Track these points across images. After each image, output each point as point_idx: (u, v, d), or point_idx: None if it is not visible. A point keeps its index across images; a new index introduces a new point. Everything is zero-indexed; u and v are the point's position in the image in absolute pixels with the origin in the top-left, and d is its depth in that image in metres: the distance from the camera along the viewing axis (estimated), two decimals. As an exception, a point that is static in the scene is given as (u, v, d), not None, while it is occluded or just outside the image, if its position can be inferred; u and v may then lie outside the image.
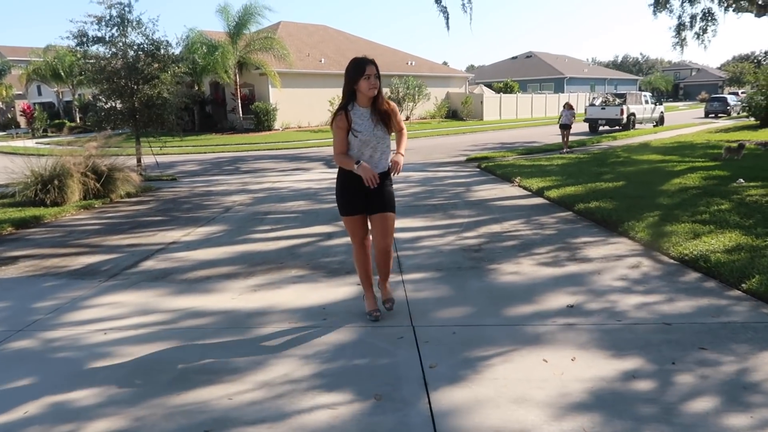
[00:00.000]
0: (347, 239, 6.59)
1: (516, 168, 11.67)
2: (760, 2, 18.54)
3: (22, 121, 38.91)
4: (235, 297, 4.34)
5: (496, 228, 6.46)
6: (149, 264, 5.39)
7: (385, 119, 3.57)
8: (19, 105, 40.25)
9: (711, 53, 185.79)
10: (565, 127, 16.21)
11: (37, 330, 3.76)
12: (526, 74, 58.48)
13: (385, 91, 34.41)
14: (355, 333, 3.56)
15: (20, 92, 44.35)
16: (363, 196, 3.61)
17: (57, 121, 36.39)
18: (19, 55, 51.94)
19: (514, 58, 65.17)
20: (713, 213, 6.40)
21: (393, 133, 3.74)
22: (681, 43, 22.31)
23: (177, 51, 18.06)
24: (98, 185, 9.41)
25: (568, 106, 16.50)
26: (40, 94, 46.16)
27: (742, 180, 8.74)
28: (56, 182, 8.84)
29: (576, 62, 66.54)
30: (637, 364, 3.01)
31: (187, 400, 2.77)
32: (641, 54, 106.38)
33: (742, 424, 2.42)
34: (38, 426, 2.57)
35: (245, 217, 7.76)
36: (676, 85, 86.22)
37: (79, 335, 3.65)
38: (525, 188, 9.38)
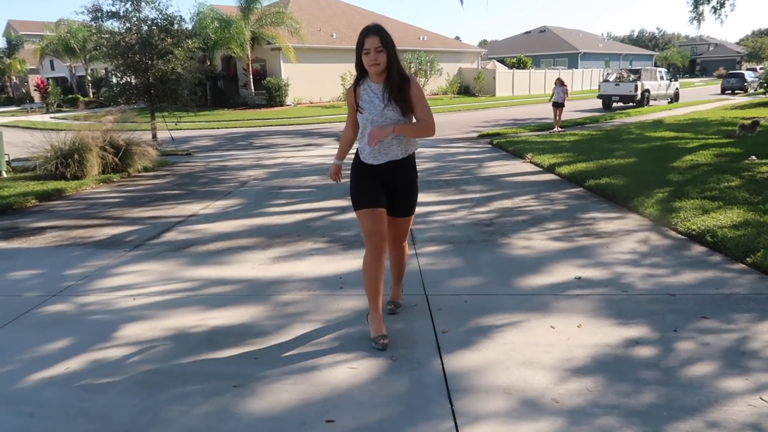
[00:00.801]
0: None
1: (528, 144, 11.72)
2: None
3: (36, 95, 39.20)
4: (255, 267, 4.53)
5: (507, 203, 6.58)
6: (171, 235, 5.59)
7: (398, 97, 3.01)
8: (33, 80, 40.52)
9: (730, 28, 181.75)
10: (558, 105, 15.36)
11: (70, 295, 3.97)
12: (539, 49, 57.72)
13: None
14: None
15: (33, 67, 44.60)
16: (382, 187, 3.13)
17: (70, 96, 36.62)
18: (30, 30, 52.09)
19: (527, 32, 64.25)
20: (722, 189, 6.47)
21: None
22: (698, 17, 22.00)
23: (190, 26, 18.07)
24: (116, 159, 9.60)
25: (560, 82, 15.58)
26: (53, 68, 46.40)
27: (754, 157, 8.76)
28: (76, 156, 9.05)
29: (591, 37, 65.50)
30: (640, 331, 3.16)
31: (216, 361, 2.96)
32: (658, 29, 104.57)
33: (739, 387, 2.57)
34: (80, 380, 2.78)
35: (261, 192, 7.93)
36: (692, 61, 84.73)
37: (110, 300, 3.86)
38: (537, 164, 9.45)
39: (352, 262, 4.57)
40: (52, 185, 8.25)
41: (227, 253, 4.95)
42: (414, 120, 3.11)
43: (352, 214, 6.43)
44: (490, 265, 4.41)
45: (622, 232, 5.21)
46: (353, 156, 3.28)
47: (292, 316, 3.51)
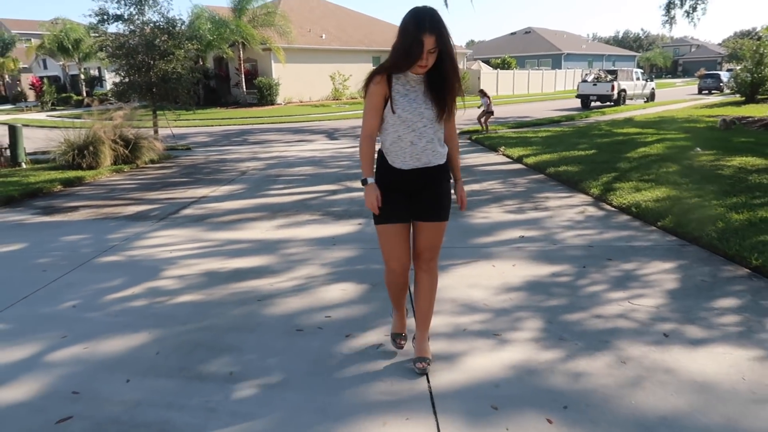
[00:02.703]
0: (350, 194, 7.85)
1: (503, 140, 12.80)
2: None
3: (30, 94, 39.79)
4: (263, 232, 5.55)
5: (475, 187, 7.63)
6: (188, 211, 6.59)
7: (440, 92, 2.52)
8: (27, 78, 41.11)
9: (713, 29, 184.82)
10: (486, 114, 15.33)
11: (118, 251, 4.97)
12: (524, 50, 59.08)
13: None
14: (356, 252, 4.77)
15: (26, 65, 45.14)
16: (406, 197, 2.65)
17: (64, 94, 37.33)
18: (22, 29, 52.49)
19: (513, 33, 65.63)
20: (659, 174, 7.57)
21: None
22: (670, 21, 23.19)
23: (185, 27, 18.98)
24: (126, 152, 10.56)
25: (483, 93, 15.43)
26: (45, 67, 46.90)
27: (698, 149, 9.89)
28: (91, 148, 10.00)
29: (574, 38, 67.00)
30: (559, 268, 4.22)
31: (241, 288, 3.99)
32: (642, 30, 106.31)
33: (618, 296, 3.64)
34: (144, 298, 3.80)
35: (260, 179, 8.94)
36: (675, 62, 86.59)
37: (151, 253, 4.87)
38: (508, 156, 10.53)
39: (343, 228, 5.60)
40: (72, 174, 9.19)
41: (239, 222, 5.96)
42: (444, 110, 2.58)
43: (343, 195, 7.47)
44: (453, 229, 5.44)
45: (566, 207, 6.29)
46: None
47: (296, 261, 4.55)
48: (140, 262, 4.66)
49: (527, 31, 63.85)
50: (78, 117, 21.01)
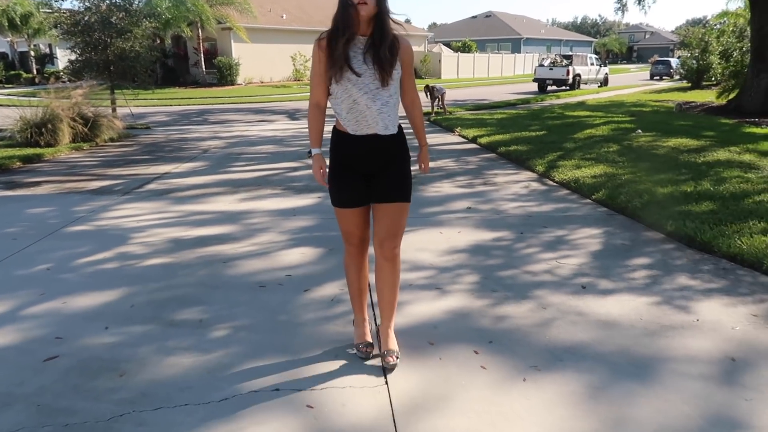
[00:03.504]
0: (310, 171, 8.01)
1: (460, 121, 13.25)
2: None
3: (-24, 71, 38.17)
4: (226, 204, 5.83)
5: (431, 165, 8.01)
6: (152, 186, 6.79)
7: (384, 57, 2.41)
8: (-28, 55, 39.41)
9: (667, 17, 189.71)
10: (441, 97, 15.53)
11: (85, 221, 5.19)
12: (485, 34, 59.72)
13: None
14: (315, 221, 5.12)
15: (-30, 41, 43.22)
16: (364, 181, 2.58)
17: (12, 72, 35.99)
18: (-34, 2, 50.05)
19: (473, 17, 66.16)
20: (600, 153, 8.13)
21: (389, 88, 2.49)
22: (622, 8, 24.10)
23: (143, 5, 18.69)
24: (86, 129, 10.55)
25: (429, 89, 15.54)
26: (-8, 43, 44.97)
27: (640, 131, 10.54)
28: (49, 126, 9.96)
29: (534, 23, 68.03)
30: (499, 234, 4.66)
31: (207, 251, 4.29)
32: (600, 16, 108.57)
33: (547, 256, 4.10)
34: (114, 262, 4.07)
35: (222, 156, 9.14)
36: (630, 48, 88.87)
37: (118, 224, 5.10)
38: (463, 137, 10.98)
39: (303, 200, 5.93)
40: (30, 151, 9.18)
41: (202, 197, 6.22)
42: (395, 92, 2.54)
43: (303, 172, 7.77)
44: (407, 202, 5.85)
45: (513, 182, 6.76)
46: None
47: (258, 230, 4.87)
48: (108, 231, 4.89)
49: (488, 15, 64.48)
50: (30, 96, 20.50)
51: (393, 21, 2.47)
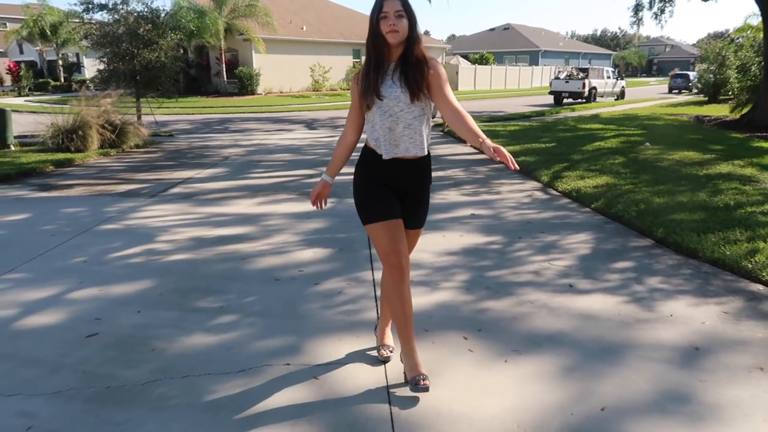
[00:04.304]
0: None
1: (472, 132, 13.60)
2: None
3: (6, 79, 39.49)
4: (245, 208, 6.23)
5: (440, 173, 8.39)
6: (176, 190, 7.23)
7: (412, 78, 2.44)
8: (3, 63, 40.75)
9: (688, 30, 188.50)
10: None
11: (115, 221, 5.62)
12: (502, 46, 60.11)
13: (364, 59, 36.12)
14: (326, 223, 5.50)
15: (1, 50, 44.66)
16: (395, 194, 2.60)
17: (41, 80, 37.18)
18: (-2, 12, 51.75)
19: (492, 29, 66.60)
20: (605, 165, 8.42)
21: (422, 104, 2.52)
22: (638, 22, 24.20)
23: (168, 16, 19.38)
24: (113, 136, 11.09)
25: None
26: (21, 52, 46.40)
27: (648, 144, 10.78)
28: (80, 132, 10.51)
29: (552, 35, 68.24)
30: (498, 238, 4.99)
31: (227, 249, 4.68)
32: (619, 29, 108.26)
33: (539, 258, 4.42)
34: (143, 256, 4.47)
35: (242, 163, 9.58)
36: (650, 61, 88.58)
37: (145, 223, 5.53)
38: (474, 148, 11.29)
39: (316, 205, 6.31)
40: (61, 156, 9.72)
41: (223, 200, 6.63)
42: (421, 114, 2.53)
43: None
44: (414, 207, 6.20)
45: (517, 191, 7.08)
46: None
47: (274, 231, 5.25)
48: (136, 229, 5.31)
49: (506, 28, 64.88)
50: (57, 102, 21.28)
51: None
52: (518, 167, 2.29)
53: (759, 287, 3.82)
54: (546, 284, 3.89)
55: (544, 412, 2.45)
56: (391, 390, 2.62)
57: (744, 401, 2.51)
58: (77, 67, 40.61)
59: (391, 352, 2.92)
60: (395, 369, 2.79)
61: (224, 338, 3.10)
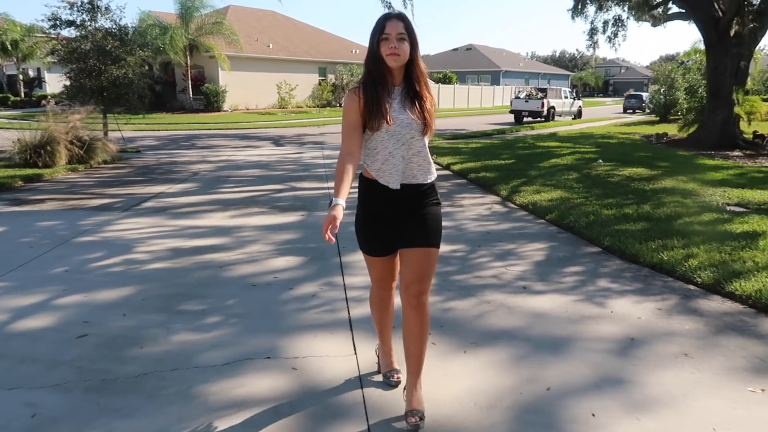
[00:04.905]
0: (294, 193, 8.86)
1: (437, 149, 14.07)
2: (654, 14, 21.69)
3: (-38, 93, 38.42)
4: (218, 220, 6.46)
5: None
6: (149, 204, 7.40)
7: (422, 107, 2.45)
8: (-41, 77, 39.68)
9: (642, 52, 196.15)
10: None
11: (92, 233, 5.78)
12: (465, 66, 61.56)
13: (330, 77, 35.70)
14: (298, 235, 5.78)
15: (-44, 64, 43.51)
16: (391, 228, 2.54)
17: (1, 95, 36.35)
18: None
19: (455, 49, 68.16)
20: (560, 180, 8.94)
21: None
22: (593, 45, 25.33)
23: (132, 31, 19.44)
24: (81, 152, 11.13)
25: None
26: (-22, 66, 45.30)
27: (601, 160, 11.42)
28: (48, 147, 10.54)
29: (513, 56, 70.23)
30: (459, 247, 5.37)
31: (204, 258, 4.92)
32: (577, 50, 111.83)
33: (497, 264, 4.80)
34: (124, 265, 4.68)
35: (212, 179, 9.78)
36: (606, 82, 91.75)
37: (122, 235, 5.71)
38: (438, 164, 11.76)
39: (287, 218, 6.59)
40: (30, 171, 9.74)
41: (196, 213, 6.85)
42: (425, 138, 2.51)
43: (288, 193, 8.44)
44: (381, 220, 6.54)
45: (478, 204, 7.50)
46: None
47: (247, 241, 5.51)
48: (114, 241, 5.50)
49: (468, 48, 66.51)
50: (23, 118, 21.02)
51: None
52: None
53: (691, 287, 4.28)
54: (503, 287, 4.27)
55: (497, 392, 2.79)
56: (363, 377, 2.93)
57: (669, 381, 2.91)
58: (38, 82, 39.88)
59: (401, 375, 2.87)
60: (366, 359, 3.10)
61: (208, 336, 3.36)
